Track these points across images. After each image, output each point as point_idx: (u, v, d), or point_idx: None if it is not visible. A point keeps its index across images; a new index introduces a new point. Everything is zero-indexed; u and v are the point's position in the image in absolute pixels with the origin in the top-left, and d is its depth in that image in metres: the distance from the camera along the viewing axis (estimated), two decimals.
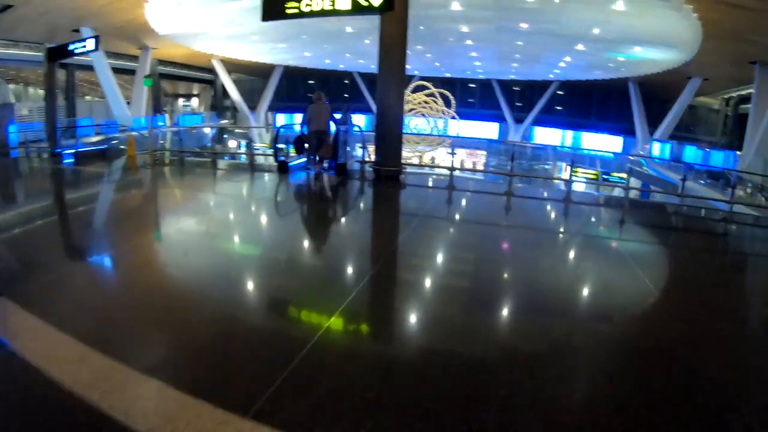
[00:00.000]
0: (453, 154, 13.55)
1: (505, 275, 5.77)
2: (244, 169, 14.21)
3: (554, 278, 5.68)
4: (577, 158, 33.64)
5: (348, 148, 12.74)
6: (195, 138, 33.38)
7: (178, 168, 13.83)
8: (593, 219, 9.68)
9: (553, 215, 9.93)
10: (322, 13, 11.49)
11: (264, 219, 8.56)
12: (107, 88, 28.86)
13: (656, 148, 31.65)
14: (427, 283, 5.36)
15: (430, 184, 13.02)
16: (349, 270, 5.76)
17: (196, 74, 45.66)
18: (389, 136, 11.78)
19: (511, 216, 9.48)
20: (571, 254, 7.01)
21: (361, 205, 10.18)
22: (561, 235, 8.28)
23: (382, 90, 11.70)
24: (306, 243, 7.05)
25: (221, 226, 7.62)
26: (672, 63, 26.70)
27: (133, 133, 19.28)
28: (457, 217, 9.39)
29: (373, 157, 12.24)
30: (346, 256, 6.37)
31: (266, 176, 12.40)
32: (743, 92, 32.25)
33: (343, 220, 8.87)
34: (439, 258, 6.36)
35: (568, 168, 37.06)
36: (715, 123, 38.58)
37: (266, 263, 5.92)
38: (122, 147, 17.11)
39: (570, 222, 9.46)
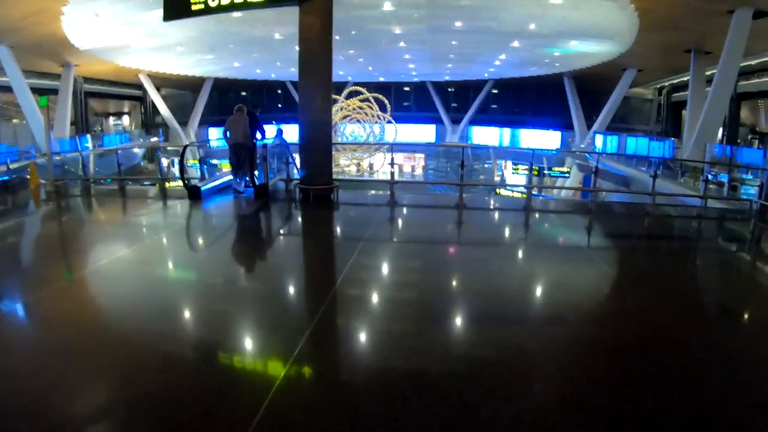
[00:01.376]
0: (392, 164, 12.51)
1: (472, 307, 4.83)
2: (156, 197, 12.18)
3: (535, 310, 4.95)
4: (518, 157, 33.27)
5: (275, 165, 11.37)
6: (125, 158, 30.57)
7: (81, 199, 11.87)
8: (570, 231, 8.85)
9: (515, 229, 8.85)
10: (233, 7, 9.89)
11: (155, 269, 6.13)
12: (27, 109, 26.00)
13: (599, 141, 31.00)
14: (383, 327, 4.30)
15: (369, 200, 11.55)
16: (283, 329, 4.22)
17: (125, 91, 42.49)
18: (316, 149, 10.14)
19: (467, 231, 8.72)
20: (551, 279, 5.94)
21: (284, 236, 8.50)
22: (536, 257, 7.02)
23: (305, 96, 10.04)
24: (214, 295, 5.19)
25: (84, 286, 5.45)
26: (607, 55, 26.54)
27: (36, 161, 16.75)
28: (403, 240, 8.09)
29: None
30: (274, 309, 4.78)
31: (178, 205, 10.23)
32: (675, 81, 33.00)
33: (263, 257, 7.04)
34: (391, 294, 5.29)
35: (509, 165, 37.01)
36: (648, 113, 39.18)
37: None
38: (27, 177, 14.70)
39: (540, 236, 8.58)
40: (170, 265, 6.45)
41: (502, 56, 30.63)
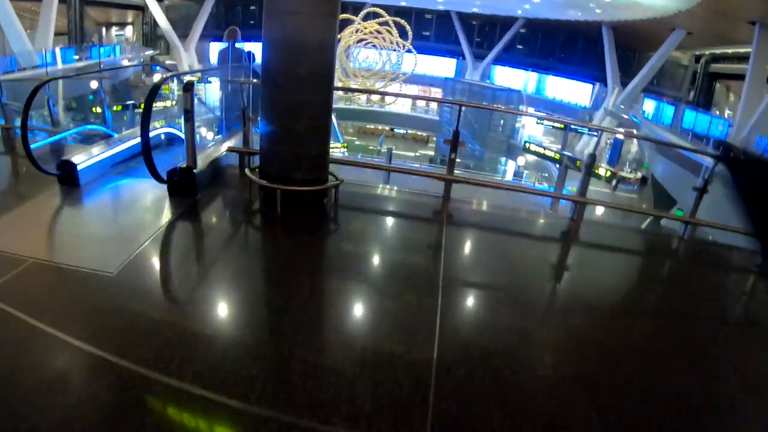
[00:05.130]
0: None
1: None
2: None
3: None
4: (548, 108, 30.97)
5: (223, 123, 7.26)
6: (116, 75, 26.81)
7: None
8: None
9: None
10: None
11: None
12: (2, 17, 22.62)
13: (649, 107, 27.33)
14: None
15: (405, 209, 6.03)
16: None
17: None
18: (294, 106, 4.74)
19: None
20: None
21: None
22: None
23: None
24: None
25: None
26: (661, 11, 24.16)
27: None
28: None
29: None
30: None
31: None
32: (718, 51, 30.84)
33: None
34: None
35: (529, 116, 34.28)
36: (681, 79, 36.72)
37: None
38: None
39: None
40: None
41: None
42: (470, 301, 4.03)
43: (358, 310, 3.65)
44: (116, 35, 43.96)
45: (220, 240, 4.53)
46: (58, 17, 26.89)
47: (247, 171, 5.33)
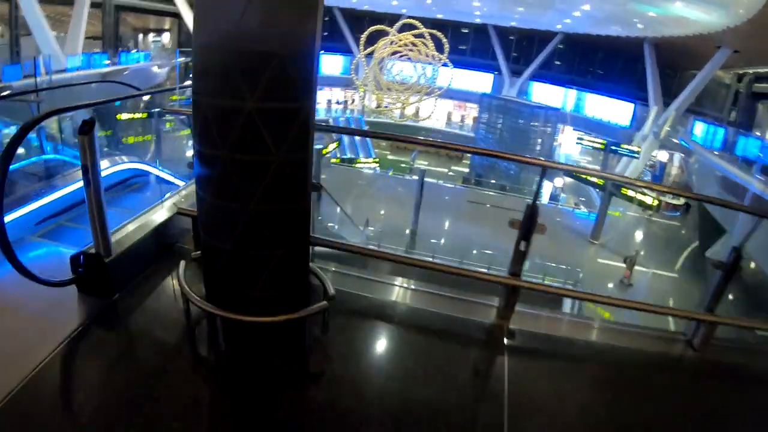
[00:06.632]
0: None
1: None
2: None
3: None
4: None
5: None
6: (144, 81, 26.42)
7: None
8: None
9: None
10: None
11: None
12: (32, 19, 23.18)
13: (699, 130, 25.72)
14: None
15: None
16: None
17: (161, 6, 38.22)
18: (246, 182, 2.64)
19: None
20: None
21: None
22: None
23: None
24: None
25: None
26: (707, 27, 23.13)
27: None
28: None
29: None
30: None
31: None
32: (762, 70, 29.71)
33: None
34: None
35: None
36: (723, 99, 35.45)
37: None
38: None
39: None
40: None
41: (586, 6, 27.07)
42: None
43: None
44: (153, 42, 44.69)
45: (135, 381, 2.72)
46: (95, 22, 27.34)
47: (180, 270, 3.10)
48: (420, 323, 3.59)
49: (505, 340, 3.41)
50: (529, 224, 3.24)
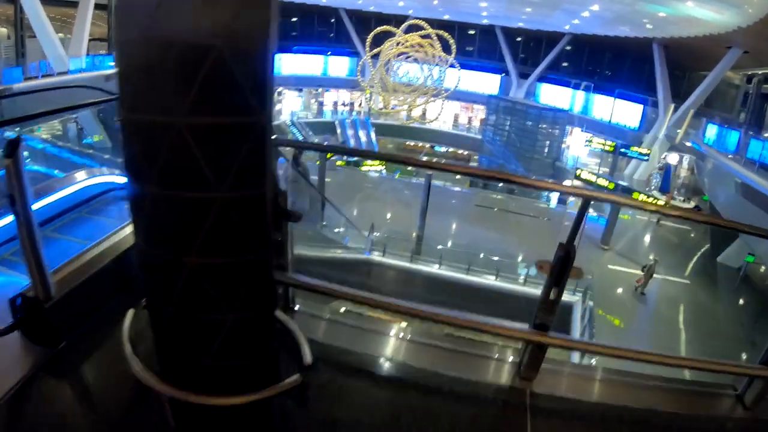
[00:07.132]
0: None
1: None
2: None
3: None
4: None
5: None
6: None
7: None
8: None
9: None
10: None
11: None
12: (35, 21, 23.04)
13: (712, 132, 24.89)
14: None
15: None
16: None
17: None
18: (182, 238, 1.83)
19: None
20: None
21: None
22: None
23: None
24: None
25: None
26: (718, 27, 22.86)
27: None
28: None
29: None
30: None
31: None
32: None
33: None
34: None
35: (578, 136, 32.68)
36: (733, 100, 35.18)
37: None
38: None
39: None
40: None
41: (595, 7, 26.78)
42: None
43: None
44: None
45: None
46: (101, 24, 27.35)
47: (126, 323, 2.35)
48: (423, 382, 2.86)
49: (528, 406, 2.73)
50: (561, 267, 2.52)
